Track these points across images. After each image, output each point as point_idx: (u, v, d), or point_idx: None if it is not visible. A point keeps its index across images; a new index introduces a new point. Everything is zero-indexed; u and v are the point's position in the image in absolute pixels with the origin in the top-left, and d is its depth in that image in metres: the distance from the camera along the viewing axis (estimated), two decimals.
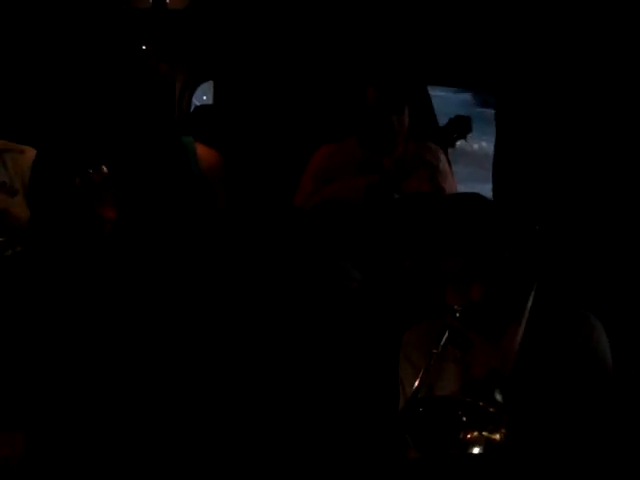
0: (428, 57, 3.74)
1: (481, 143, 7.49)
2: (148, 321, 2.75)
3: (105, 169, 2.81)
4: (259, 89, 4.13)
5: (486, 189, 3.89)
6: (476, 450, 2.02)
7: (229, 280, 2.83)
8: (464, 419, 2.03)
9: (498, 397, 2.06)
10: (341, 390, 2.69)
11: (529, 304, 2.22)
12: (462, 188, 3.97)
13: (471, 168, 6.64)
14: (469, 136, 3.55)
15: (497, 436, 2.01)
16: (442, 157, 3.48)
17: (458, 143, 3.55)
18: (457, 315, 2.17)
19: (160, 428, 2.63)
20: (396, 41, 3.74)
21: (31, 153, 3.22)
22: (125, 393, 2.64)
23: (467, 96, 8.70)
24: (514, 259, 2.23)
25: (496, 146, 3.86)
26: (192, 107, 4.38)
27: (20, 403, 2.61)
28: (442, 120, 3.71)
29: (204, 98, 5.91)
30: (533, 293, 2.24)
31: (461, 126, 3.47)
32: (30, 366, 2.65)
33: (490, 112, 3.83)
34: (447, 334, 2.15)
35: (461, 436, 2.03)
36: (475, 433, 2.02)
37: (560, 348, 2.20)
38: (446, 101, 5.97)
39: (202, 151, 3.20)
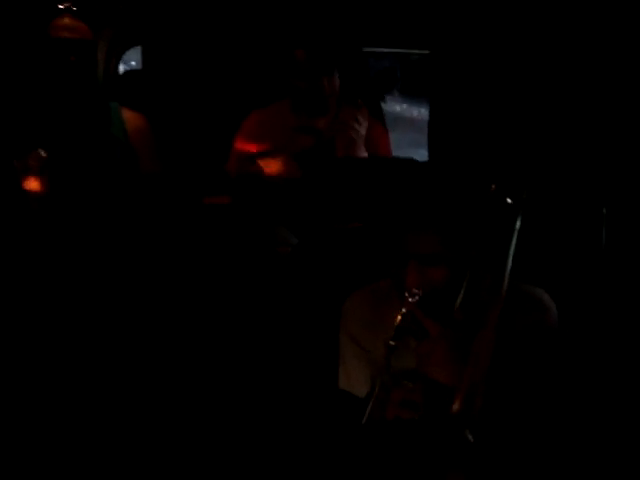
0: (361, 18, 3.68)
1: (421, 109, 7.51)
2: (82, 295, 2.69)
3: (43, 153, 2.80)
4: (188, 54, 4.07)
5: (425, 154, 3.86)
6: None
7: (160, 247, 2.79)
8: None
9: (470, 437, 1.82)
10: (276, 361, 2.63)
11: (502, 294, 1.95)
12: (401, 154, 3.95)
13: (411, 134, 6.64)
14: (405, 102, 3.52)
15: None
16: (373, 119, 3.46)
17: (397, 109, 3.53)
18: (417, 299, 1.99)
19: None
20: (327, 3, 3.69)
21: None
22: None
23: None
24: (488, 240, 2.01)
25: (430, 110, 3.82)
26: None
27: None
28: None
29: (132, 63, 5.81)
30: (506, 281, 1.97)
31: (388, 77, 3.46)
32: None
33: None
34: (400, 320, 1.98)
35: None
36: None
37: (519, 340, 2.02)
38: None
39: (128, 116, 3.18)
